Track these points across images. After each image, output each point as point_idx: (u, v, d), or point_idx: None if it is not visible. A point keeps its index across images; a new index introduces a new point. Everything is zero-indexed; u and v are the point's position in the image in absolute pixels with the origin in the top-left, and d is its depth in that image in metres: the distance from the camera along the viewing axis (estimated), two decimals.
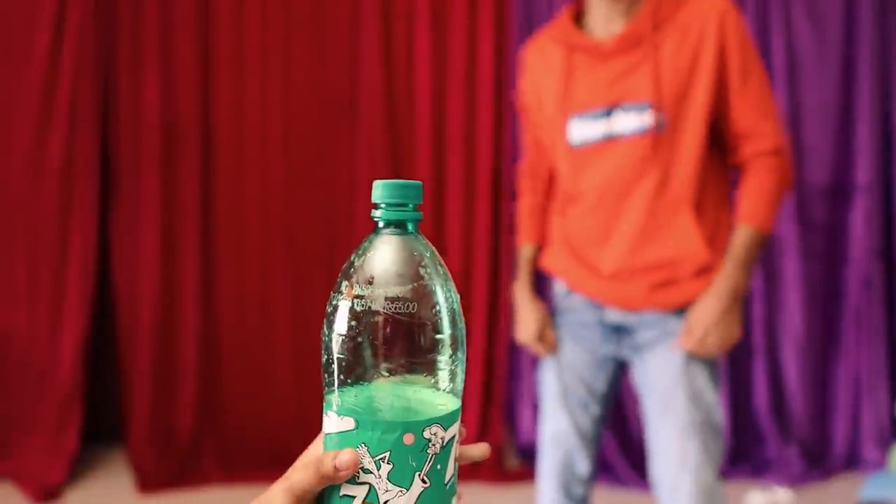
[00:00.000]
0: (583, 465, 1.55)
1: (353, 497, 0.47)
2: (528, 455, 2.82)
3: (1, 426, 2.70)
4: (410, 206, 0.50)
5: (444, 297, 0.48)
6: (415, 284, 0.47)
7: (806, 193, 2.89)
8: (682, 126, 1.38)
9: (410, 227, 0.50)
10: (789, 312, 2.89)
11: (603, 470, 2.77)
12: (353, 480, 0.47)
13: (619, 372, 1.57)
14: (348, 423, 0.47)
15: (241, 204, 2.81)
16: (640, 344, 1.45)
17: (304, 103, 2.83)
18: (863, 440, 2.89)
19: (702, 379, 1.40)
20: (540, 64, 1.53)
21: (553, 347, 1.56)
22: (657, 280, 1.41)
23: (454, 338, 0.48)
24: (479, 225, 2.88)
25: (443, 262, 0.50)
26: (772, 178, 1.40)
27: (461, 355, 0.49)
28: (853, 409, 2.91)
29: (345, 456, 0.47)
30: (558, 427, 1.54)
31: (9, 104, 2.65)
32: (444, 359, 0.48)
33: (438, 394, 0.48)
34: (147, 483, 2.61)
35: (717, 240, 1.42)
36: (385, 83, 2.84)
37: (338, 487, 0.47)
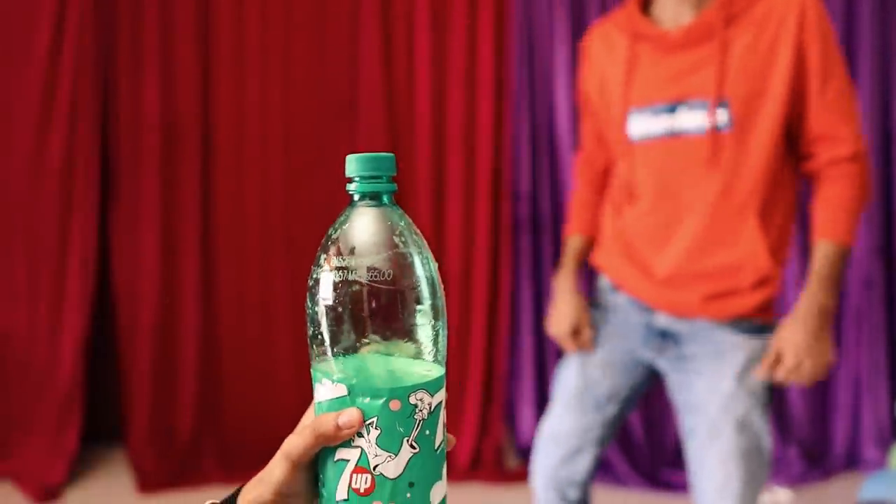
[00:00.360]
0: (581, 469, 1.49)
1: (347, 461, 0.48)
2: (528, 455, 2.81)
3: (1, 426, 2.70)
4: (384, 177, 0.50)
5: (422, 265, 0.49)
6: (392, 253, 0.48)
7: (806, 193, 2.89)
8: (751, 128, 1.30)
9: (385, 198, 0.51)
10: (789, 312, 2.88)
11: (603, 470, 2.77)
12: (347, 443, 0.48)
13: (650, 380, 1.50)
14: (341, 390, 0.48)
15: (241, 204, 2.81)
16: (686, 356, 1.38)
17: (304, 103, 2.83)
18: (863, 440, 2.89)
19: (751, 404, 1.33)
20: (602, 52, 1.46)
21: (587, 346, 1.49)
22: (714, 289, 1.34)
23: (434, 305, 0.49)
24: (479, 225, 2.88)
25: (419, 232, 0.51)
26: (850, 186, 1.30)
27: (442, 321, 0.50)
28: (853, 409, 2.91)
29: (347, 415, 0.48)
30: (561, 427, 1.49)
31: (9, 104, 2.65)
32: (425, 325, 0.49)
33: (422, 361, 0.49)
34: (147, 483, 2.61)
35: (780, 251, 1.36)
36: (385, 83, 2.84)
37: (333, 451, 0.49)
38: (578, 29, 2.82)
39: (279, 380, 2.84)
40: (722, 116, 1.29)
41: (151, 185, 2.73)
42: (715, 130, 1.30)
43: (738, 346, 1.35)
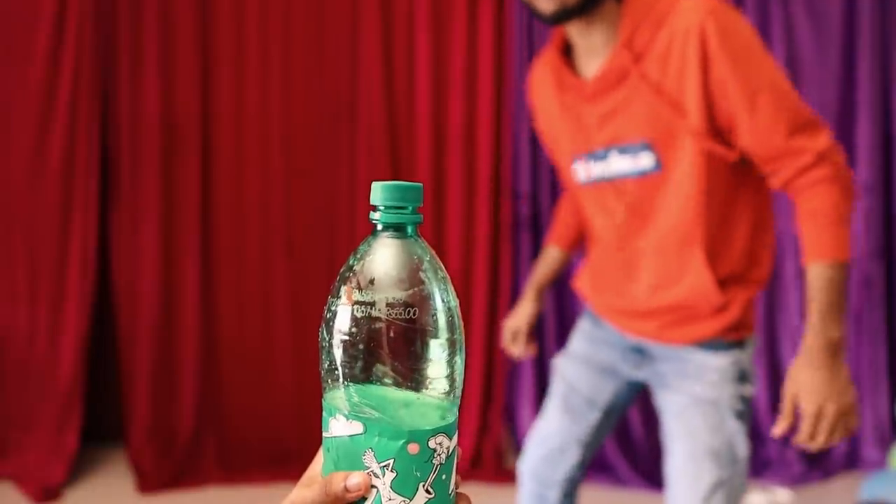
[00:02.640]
0: (562, 469, 1.49)
1: (365, 500, 0.46)
2: None
3: (1, 426, 2.70)
4: (410, 208, 0.48)
5: (444, 302, 0.47)
6: (415, 289, 0.46)
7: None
8: (676, 165, 1.23)
9: (410, 230, 0.49)
10: (789, 312, 2.88)
11: (603, 470, 2.77)
12: None
13: (633, 393, 1.51)
14: (357, 427, 0.46)
15: (241, 204, 2.81)
16: (661, 373, 1.38)
17: (304, 103, 2.83)
18: (863, 440, 2.89)
19: (727, 414, 1.30)
20: (541, 96, 1.44)
21: (518, 353, 1.61)
22: (672, 319, 1.32)
23: (453, 343, 0.48)
24: (479, 225, 2.88)
25: (442, 266, 0.49)
26: (828, 192, 1.16)
27: (460, 361, 0.49)
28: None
29: (356, 479, 0.46)
30: (547, 427, 1.51)
31: (9, 104, 2.65)
32: (444, 364, 0.47)
33: (440, 401, 0.48)
34: (147, 483, 2.61)
35: (750, 270, 1.30)
36: (385, 83, 2.84)
37: None
38: None
39: (279, 380, 2.84)
40: (647, 159, 1.25)
41: (151, 185, 2.73)
42: (642, 174, 1.26)
43: (706, 365, 1.32)
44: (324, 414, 0.49)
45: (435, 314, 0.47)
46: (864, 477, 2.72)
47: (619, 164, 1.28)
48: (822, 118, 2.90)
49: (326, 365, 0.48)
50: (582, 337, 1.52)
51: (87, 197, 2.67)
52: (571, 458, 1.48)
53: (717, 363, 1.31)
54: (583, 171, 1.35)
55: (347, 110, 2.86)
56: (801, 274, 2.87)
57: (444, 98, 2.88)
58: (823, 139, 1.18)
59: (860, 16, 2.85)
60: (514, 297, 2.90)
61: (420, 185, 0.49)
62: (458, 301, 0.49)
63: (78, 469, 2.69)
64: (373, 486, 0.46)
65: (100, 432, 2.88)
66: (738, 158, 1.23)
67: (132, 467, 2.68)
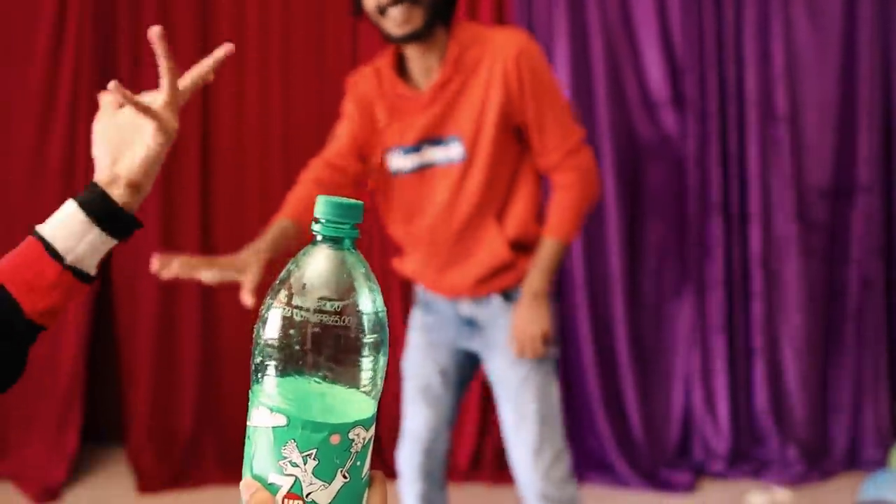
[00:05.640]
0: (440, 452, 1.74)
1: (280, 486, 0.50)
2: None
3: (1, 426, 2.70)
4: (349, 224, 0.53)
5: (371, 308, 0.52)
6: (345, 295, 0.51)
7: (806, 193, 2.89)
8: (477, 154, 1.56)
9: (347, 242, 0.53)
10: (789, 312, 2.88)
11: (603, 470, 2.77)
12: (279, 471, 0.50)
13: (473, 364, 1.75)
14: (280, 420, 0.51)
15: (241, 204, 2.81)
16: (490, 342, 1.65)
17: (304, 103, 2.83)
18: (863, 440, 2.89)
19: (540, 372, 1.61)
20: (365, 97, 1.67)
21: (186, 272, 1.37)
22: (480, 275, 1.63)
23: (377, 345, 0.52)
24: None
25: (373, 277, 0.54)
26: (571, 189, 1.59)
27: (383, 361, 0.53)
28: (853, 409, 2.91)
29: (258, 497, 0.50)
30: (417, 425, 1.72)
31: (9, 104, 2.66)
32: (368, 364, 0.52)
33: (361, 397, 0.52)
34: (147, 483, 2.61)
35: (529, 233, 1.63)
36: None
37: (267, 474, 0.51)
38: (578, 28, 2.82)
39: None
40: (456, 150, 1.56)
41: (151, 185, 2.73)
42: (455, 160, 1.57)
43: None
44: (249, 405, 0.54)
45: (360, 319, 0.51)
46: (864, 477, 2.72)
47: (432, 154, 1.58)
48: (823, 117, 2.89)
49: (258, 360, 0.54)
50: (417, 330, 1.75)
51: None
52: (443, 439, 1.74)
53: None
54: (402, 161, 1.61)
55: None
56: (801, 274, 2.87)
57: None
58: (572, 139, 1.59)
59: (860, 14, 2.85)
60: None
61: (361, 203, 0.53)
62: (385, 309, 0.54)
63: (78, 469, 2.70)
64: (291, 475, 0.50)
65: (100, 432, 2.88)
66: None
67: (132, 467, 2.68)
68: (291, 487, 0.50)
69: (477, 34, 1.57)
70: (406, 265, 1.75)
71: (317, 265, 0.52)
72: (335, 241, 0.53)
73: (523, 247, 1.63)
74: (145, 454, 2.70)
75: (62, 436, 2.66)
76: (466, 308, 1.67)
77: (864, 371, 2.89)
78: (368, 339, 0.51)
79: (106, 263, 2.77)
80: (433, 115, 1.57)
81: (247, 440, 0.54)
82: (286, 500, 0.50)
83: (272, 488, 0.50)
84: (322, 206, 0.52)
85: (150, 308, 2.75)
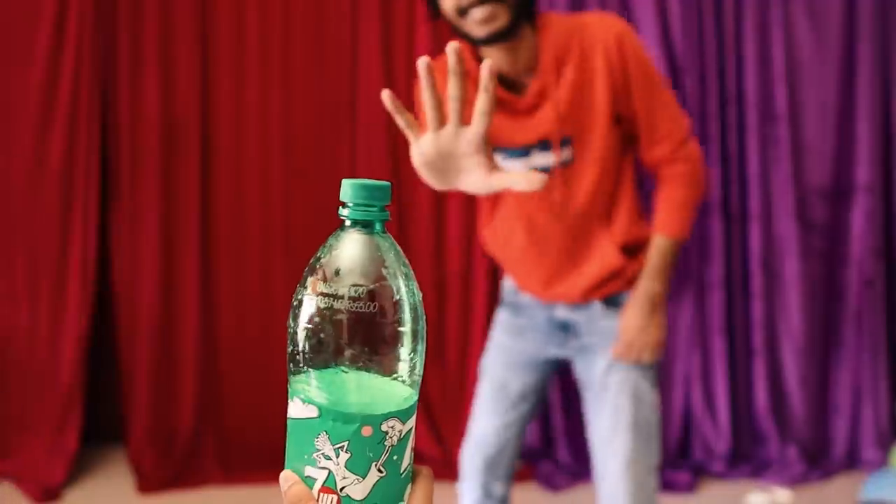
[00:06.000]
0: (504, 464, 1.63)
1: (315, 479, 0.49)
2: (529, 455, 2.81)
3: (1, 426, 2.70)
4: (378, 206, 0.51)
5: (406, 295, 0.50)
6: (378, 282, 0.49)
7: (806, 193, 2.89)
8: (587, 154, 1.45)
9: (377, 226, 0.51)
10: (789, 312, 2.89)
11: None
12: (313, 463, 0.49)
13: (555, 372, 1.66)
14: (311, 411, 0.49)
15: (241, 204, 2.81)
16: (586, 346, 1.54)
17: (304, 103, 2.83)
18: (863, 440, 2.89)
19: (641, 380, 1.50)
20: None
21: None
22: (589, 283, 1.52)
23: (414, 333, 0.50)
24: (479, 224, 2.88)
25: (407, 262, 0.52)
26: (682, 185, 1.48)
27: (421, 349, 0.51)
28: (853, 409, 2.91)
29: (295, 490, 0.49)
30: (484, 431, 1.62)
31: (9, 104, 2.65)
32: (404, 353, 0.50)
33: (398, 386, 0.50)
34: (147, 483, 2.61)
35: (632, 238, 1.53)
36: (385, 83, 2.84)
37: (302, 466, 0.50)
38: None
39: (279, 380, 2.84)
40: (567, 151, 1.44)
41: (151, 185, 2.73)
42: (559, 166, 1.45)
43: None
44: (289, 396, 0.52)
45: (395, 306, 0.49)
46: (864, 477, 2.72)
47: (539, 160, 1.46)
48: (822, 118, 2.89)
49: (291, 350, 0.51)
50: (503, 331, 1.63)
51: (87, 197, 2.67)
52: (510, 451, 1.63)
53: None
54: (502, 163, 1.47)
55: (347, 110, 2.86)
56: (801, 274, 2.87)
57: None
58: (681, 136, 1.47)
59: (860, 16, 2.85)
60: None
61: (388, 184, 0.51)
62: (420, 294, 0.52)
63: (78, 469, 2.70)
64: (325, 468, 0.49)
65: (100, 432, 2.88)
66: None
67: (132, 467, 2.68)
68: (325, 481, 0.49)
69: (568, 26, 1.43)
70: (503, 255, 1.62)
71: (348, 251, 0.50)
72: (365, 226, 0.51)
73: (631, 250, 1.53)
74: (145, 454, 2.70)
75: (62, 436, 2.66)
76: (562, 312, 1.56)
77: (864, 371, 2.89)
78: (403, 326, 0.50)
79: (106, 264, 2.79)
80: (540, 119, 1.44)
81: (287, 432, 0.53)
82: (321, 494, 0.49)
83: (308, 481, 0.49)
84: (349, 190, 0.51)
85: (150, 308, 2.75)
